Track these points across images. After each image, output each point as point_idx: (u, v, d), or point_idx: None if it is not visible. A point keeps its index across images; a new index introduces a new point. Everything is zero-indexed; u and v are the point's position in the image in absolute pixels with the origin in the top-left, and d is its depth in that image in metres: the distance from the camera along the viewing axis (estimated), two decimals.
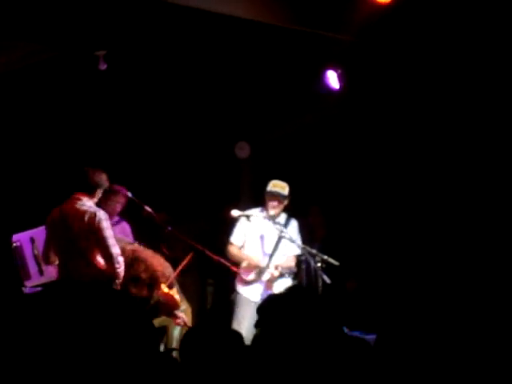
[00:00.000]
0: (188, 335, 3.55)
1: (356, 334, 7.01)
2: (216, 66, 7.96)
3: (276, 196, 7.26)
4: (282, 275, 7.27)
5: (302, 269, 7.34)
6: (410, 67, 7.55)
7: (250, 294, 7.20)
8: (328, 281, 6.85)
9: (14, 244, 6.85)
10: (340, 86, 7.97)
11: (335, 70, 7.96)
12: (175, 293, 6.83)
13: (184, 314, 6.51)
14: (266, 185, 7.33)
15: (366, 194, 8.39)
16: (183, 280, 7.34)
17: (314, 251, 7.02)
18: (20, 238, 6.97)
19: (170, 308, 6.68)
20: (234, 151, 8.72)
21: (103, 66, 7.56)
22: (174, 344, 6.80)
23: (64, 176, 6.78)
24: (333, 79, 7.99)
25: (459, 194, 7.64)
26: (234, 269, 7.16)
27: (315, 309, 3.91)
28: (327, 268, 6.91)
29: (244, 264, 7.27)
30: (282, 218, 7.38)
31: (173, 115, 8.66)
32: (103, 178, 6.39)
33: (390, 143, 8.15)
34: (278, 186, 7.30)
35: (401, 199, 8.10)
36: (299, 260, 7.27)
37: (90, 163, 6.51)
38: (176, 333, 6.86)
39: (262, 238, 7.37)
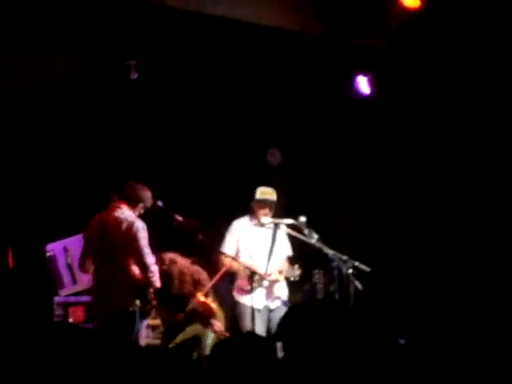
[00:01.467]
0: (219, 344, 3.57)
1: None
2: (249, 72, 8.00)
3: (267, 204, 7.30)
4: (287, 279, 7.30)
5: (333, 275, 7.32)
6: (440, 73, 7.51)
7: (253, 303, 7.10)
8: (360, 287, 6.85)
9: (48, 253, 6.95)
10: (370, 92, 7.96)
11: (366, 75, 7.95)
12: (211, 301, 6.87)
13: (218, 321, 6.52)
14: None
15: (396, 199, 8.35)
16: (216, 286, 7.37)
17: (345, 257, 7.00)
18: (54, 248, 7.07)
19: (205, 316, 6.73)
20: (266, 157, 8.72)
21: (134, 76, 7.62)
22: (207, 352, 6.82)
23: (97, 186, 6.85)
24: (363, 84, 7.98)
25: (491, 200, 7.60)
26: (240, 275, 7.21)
27: (345, 318, 3.92)
28: (358, 274, 6.92)
29: (242, 273, 7.22)
30: (270, 225, 7.39)
31: (205, 121, 8.70)
32: (148, 196, 6.48)
33: (420, 149, 8.11)
34: (267, 193, 7.33)
35: (432, 205, 8.06)
36: (330, 267, 7.26)
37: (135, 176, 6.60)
38: (209, 341, 6.86)
39: (255, 245, 7.39)
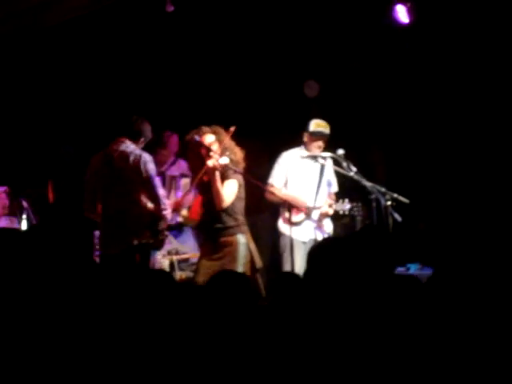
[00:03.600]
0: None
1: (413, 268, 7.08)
2: (287, 2, 7.91)
3: (322, 136, 7.28)
4: (336, 213, 7.28)
5: (372, 207, 7.30)
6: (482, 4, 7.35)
7: (300, 235, 7.14)
8: (399, 219, 6.85)
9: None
10: (409, 20, 7.82)
11: (404, 4, 7.80)
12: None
13: (254, 254, 6.47)
14: (334, 123, 7.33)
15: (433, 133, 8.26)
16: (256, 219, 7.38)
17: (383, 189, 7.00)
18: None
19: None
20: (303, 90, 8.64)
21: (170, 8, 7.55)
22: None
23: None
24: (402, 13, 7.84)
25: None
26: (304, 210, 7.12)
27: (383, 247, 3.91)
28: (397, 206, 6.91)
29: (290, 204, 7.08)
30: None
31: (242, 53, 8.63)
32: (148, 129, 6.44)
33: (458, 80, 7.98)
34: (322, 126, 7.31)
35: (467, 138, 7.96)
36: (369, 199, 7.23)
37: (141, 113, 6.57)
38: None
39: (304, 177, 7.36)
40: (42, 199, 7.64)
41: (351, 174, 7.12)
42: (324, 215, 7.30)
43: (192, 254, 7.86)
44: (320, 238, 7.21)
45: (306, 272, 3.57)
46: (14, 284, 3.47)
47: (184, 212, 6.61)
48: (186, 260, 7.95)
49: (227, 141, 6.35)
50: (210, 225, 6.35)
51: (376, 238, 3.92)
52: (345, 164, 7.18)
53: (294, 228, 7.04)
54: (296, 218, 7.16)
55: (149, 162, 6.25)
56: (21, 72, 8.39)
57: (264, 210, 7.85)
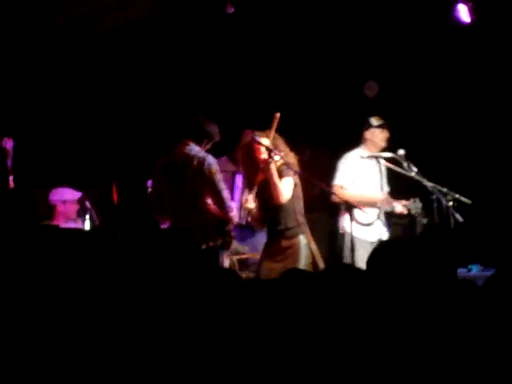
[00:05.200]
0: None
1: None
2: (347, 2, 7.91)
3: (387, 127, 7.28)
4: (409, 212, 7.23)
5: (433, 208, 7.24)
6: None
7: (368, 235, 7.12)
8: (460, 219, 6.79)
9: (150, 189, 7.05)
10: (471, 20, 7.74)
11: (466, 3, 7.72)
12: None
13: (315, 254, 6.46)
14: (393, 124, 7.32)
15: (495, 133, 8.16)
16: (312, 218, 7.37)
17: (444, 190, 6.95)
18: None
19: None
20: (363, 90, 8.61)
21: (230, 10, 7.58)
22: None
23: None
24: (463, 12, 7.76)
25: None
26: (361, 207, 7.08)
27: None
28: (458, 206, 6.85)
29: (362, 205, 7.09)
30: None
31: (302, 53, 8.63)
32: (215, 130, 6.44)
33: None
34: (381, 119, 7.30)
35: None
36: (430, 199, 7.17)
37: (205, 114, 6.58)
38: None
39: (367, 178, 7.35)
40: (105, 200, 7.73)
41: (412, 174, 7.08)
42: (397, 215, 7.28)
43: (251, 254, 7.89)
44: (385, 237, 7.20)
45: (367, 272, 3.56)
46: (77, 284, 3.52)
47: (251, 205, 6.54)
48: (245, 260, 7.98)
49: (281, 145, 6.37)
50: (271, 227, 6.37)
51: (441, 240, 3.90)
52: (405, 164, 7.13)
53: (364, 228, 7.08)
54: (368, 218, 7.13)
55: (212, 165, 6.25)
56: (84, 75, 8.51)
57: (316, 209, 7.84)
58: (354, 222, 6.99)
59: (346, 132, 7.96)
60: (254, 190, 6.37)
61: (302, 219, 6.37)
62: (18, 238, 4.20)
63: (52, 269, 3.68)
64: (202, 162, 6.23)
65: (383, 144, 7.32)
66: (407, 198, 7.22)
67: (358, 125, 7.47)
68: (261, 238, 7.35)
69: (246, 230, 7.94)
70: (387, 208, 7.25)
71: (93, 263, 3.75)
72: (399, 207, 7.27)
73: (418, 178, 7.05)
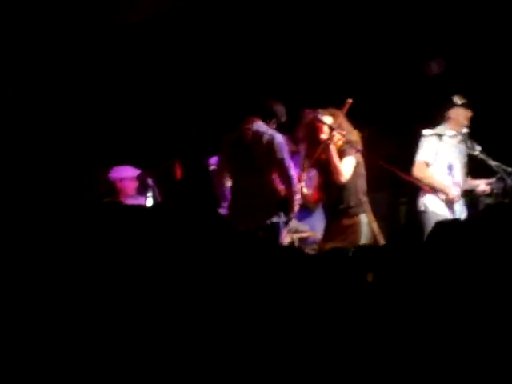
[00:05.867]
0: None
1: None
2: None
3: (470, 106, 7.17)
4: (492, 190, 7.17)
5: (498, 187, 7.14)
6: None
7: (449, 213, 7.03)
8: None
9: (212, 167, 7.09)
10: None
11: None
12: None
13: (377, 233, 6.43)
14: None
15: None
16: (374, 198, 7.32)
17: (509, 169, 6.85)
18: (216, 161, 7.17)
19: None
20: (427, 68, 8.50)
21: None
22: None
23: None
24: None
25: None
26: (427, 189, 7.03)
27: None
28: None
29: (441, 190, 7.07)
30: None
31: (361, 34, 8.57)
32: (283, 111, 6.44)
33: None
34: (464, 98, 7.18)
35: None
36: (497, 178, 7.07)
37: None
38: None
39: (451, 162, 7.22)
40: (168, 178, 7.80)
41: (475, 153, 6.99)
42: (481, 193, 7.21)
43: (310, 232, 7.89)
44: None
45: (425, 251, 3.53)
46: (139, 261, 3.54)
47: (305, 189, 6.59)
48: (305, 239, 7.98)
49: (344, 123, 6.34)
50: (333, 206, 6.35)
51: (501, 220, 3.83)
52: (469, 143, 7.04)
53: (445, 207, 7.03)
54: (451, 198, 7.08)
55: (282, 143, 6.29)
56: (148, 54, 8.58)
57: (381, 189, 7.80)
58: (437, 199, 6.97)
59: (408, 111, 7.87)
60: (311, 170, 6.39)
61: (363, 198, 6.35)
62: (82, 214, 4.25)
63: (116, 245, 3.72)
64: (271, 139, 6.26)
65: (466, 123, 7.20)
66: (479, 177, 7.16)
67: (420, 103, 7.37)
68: (318, 218, 7.36)
69: (304, 211, 7.95)
70: (467, 187, 7.18)
71: (156, 239, 3.78)
72: (482, 186, 7.18)
73: (481, 156, 6.96)
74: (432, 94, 7.73)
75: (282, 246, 5.97)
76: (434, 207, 7.05)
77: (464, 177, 7.26)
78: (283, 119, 6.48)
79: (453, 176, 7.19)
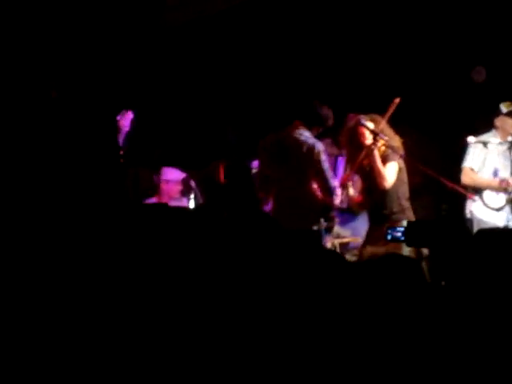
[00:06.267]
0: None
1: None
2: None
3: None
4: None
5: None
6: None
7: (497, 220, 6.97)
8: None
9: (254, 170, 7.11)
10: None
11: None
12: None
13: None
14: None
15: None
16: (416, 204, 7.30)
17: None
18: None
19: None
20: (471, 75, 8.45)
21: None
22: None
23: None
24: None
25: None
26: (471, 196, 6.99)
27: None
28: None
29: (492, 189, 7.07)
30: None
31: (405, 37, 8.54)
32: (330, 115, 6.43)
33: None
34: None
35: None
36: None
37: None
38: None
39: (497, 168, 7.19)
40: (209, 180, 7.84)
41: None
42: None
43: (352, 238, 7.87)
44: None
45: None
46: (180, 262, 3.58)
47: (351, 190, 6.56)
48: (346, 244, 7.97)
49: (387, 128, 6.33)
50: (375, 211, 6.35)
51: None
52: None
53: (493, 212, 7.01)
54: (498, 202, 7.06)
55: (322, 153, 6.29)
56: (192, 57, 8.62)
57: (423, 195, 7.77)
58: (483, 206, 6.95)
59: (452, 118, 7.83)
60: (356, 175, 6.38)
61: (406, 204, 6.35)
62: (126, 214, 4.29)
63: (159, 246, 3.75)
64: (311, 148, 6.26)
65: (510, 131, 7.13)
66: None
67: (463, 110, 7.33)
68: (361, 223, 7.34)
69: (347, 214, 7.92)
70: None
71: (200, 240, 3.81)
72: None
73: None
74: (479, 102, 7.66)
75: (323, 250, 5.99)
76: (480, 214, 7.04)
77: None
78: (329, 124, 6.47)
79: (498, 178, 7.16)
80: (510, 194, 7.06)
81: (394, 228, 5.45)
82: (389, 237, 5.43)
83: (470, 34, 8.31)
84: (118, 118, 6.95)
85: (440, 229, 4.84)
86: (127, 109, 7.00)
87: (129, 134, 6.98)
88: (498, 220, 7.00)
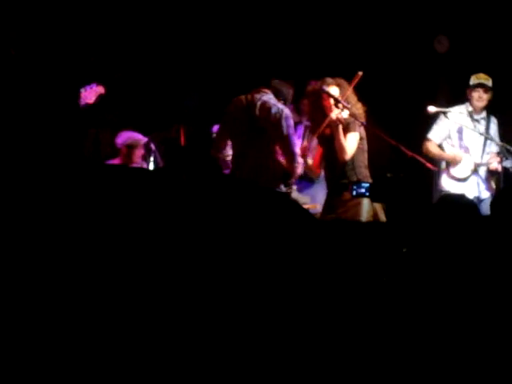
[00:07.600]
0: None
1: None
2: None
3: (481, 86, 7.15)
4: (504, 169, 7.15)
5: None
6: None
7: (464, 191, 6.85)
8: None
9: (214, 135, 7.04)
10: None
11: None
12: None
13: (377, 209, 6.42)
14: (465, 81, 7.20)
15: None
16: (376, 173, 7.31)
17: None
18: None
19: None
20: (433, 45, 8.47)
21: None
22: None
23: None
24: None
25: None
26: (430, 166, 7.02)
27: None
28: None
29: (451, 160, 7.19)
30: (483, 114, 7.24)
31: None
32: (290, 93, 6.39)
33: None
34: (483, 78, 7.19)
35: None
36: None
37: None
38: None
39: (460, 135, 7.25)
40: (169, 143, 7.79)
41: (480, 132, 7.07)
42: (492, 172, 7.21)
43: (311, 205, 7.88)
44: (485, 195, 7.17)
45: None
46: (138, 222, 3.53)
47: (310, 160, 6.56)
48: None
49: (350, 94, 6.29)
50: (334, 180, 6.34)
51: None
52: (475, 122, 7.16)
53: (459, 183, 7.12)
54: (462, 173, 7.15)
55: (289, 118, 6.22)
56: (152, 19, 8.53)
57: (381, 164, 7.78)
58: (449, 177, 7.01)
59: (414, 88, 7.85)
60: (315, 141, 6.37)
61: (365, 172, 6.33)
62: (84, 175, 4.22)
63: (117, 207, 3.70)
64: (280, 113, 6.18)
65: (479, 104, 7.22)
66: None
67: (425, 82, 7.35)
68: (319, 190, 7.35)
69: (305, 181, 7.93)
70: (482, 163, 7.18)
71: (159, 202, 3.76)
72: (494, 164, 7.18)
73: (485, 134, 7.03)
74: (441, 72, 7.68)
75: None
76: (447, 186, 7.19)
77: (486, 152, 7.28)
78: (288, 103, 6.43)
79: (469, 149, 7.26)
80: (476, 165, 7.14)
81: (358, 184, 5.50)
82: (354, 192, 5.49)
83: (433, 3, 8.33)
84: (82, 90, 6.83)
85: (403, 184, 4.88)
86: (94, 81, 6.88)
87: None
88: (465, 191, 7.00)
